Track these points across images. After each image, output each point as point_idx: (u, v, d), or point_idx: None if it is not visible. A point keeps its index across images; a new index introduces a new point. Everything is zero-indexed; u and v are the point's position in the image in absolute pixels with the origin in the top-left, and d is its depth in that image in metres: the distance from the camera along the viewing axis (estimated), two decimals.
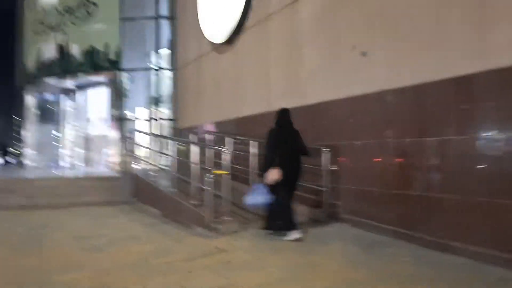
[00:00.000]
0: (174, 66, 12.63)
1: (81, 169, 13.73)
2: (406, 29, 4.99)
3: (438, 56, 4.56)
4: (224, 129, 9.56)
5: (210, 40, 10.06)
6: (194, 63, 11.38)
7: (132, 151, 9.64)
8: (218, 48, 9.90)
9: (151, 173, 8.99)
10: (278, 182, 4.81)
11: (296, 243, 4.76)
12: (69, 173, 11.70)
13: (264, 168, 4.96)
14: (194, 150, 6.31)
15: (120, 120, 12.82)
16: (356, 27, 5.80)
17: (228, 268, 3.85)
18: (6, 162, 23.14)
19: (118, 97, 12.81)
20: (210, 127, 10.33)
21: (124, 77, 12.91)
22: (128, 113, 13.26)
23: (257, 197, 4.90)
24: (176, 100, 12.68)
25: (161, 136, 12.13)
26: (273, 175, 4.82)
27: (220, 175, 5.31)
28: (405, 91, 4.94)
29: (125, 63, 12.78)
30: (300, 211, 6.25)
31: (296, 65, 7.10)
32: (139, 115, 13.71)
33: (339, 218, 5.87)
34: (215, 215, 5.33)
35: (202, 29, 10.36)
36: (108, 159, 13.12)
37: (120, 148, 11.50)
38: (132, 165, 9.21)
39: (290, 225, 4.83)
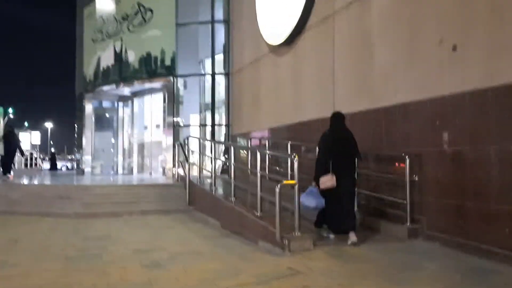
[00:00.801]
0: (229, 71, 12.31)
1: (137, 176, 13.72)
2: (506, 17, 4.22)
3: None
4: (283, 135, 9.05)
5: (268, 41, 9.61)
6: (250, 67, 10.99)
7: (188, 158, 9.33)
8: (276, 50, 9.42)
9: (208, 180, 8.63)
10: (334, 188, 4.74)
11: (382, 267, 4.11)
12: (125, 180, 11.64)
13: (317, 173, 4.90)
14: (258, 157, 5.82)
15: (175, 127, 12.66)
16: (442, 17, 5.07)
17: None
18: (53, 166, 23.63)
19: (173, 103, 12.66)
20: (267, 133, 9.85)
21: (179, 83, 12.75)
22: (182, 119, 13.10)
23: (309, 200, 4.84)
24: (230, 105, 12.34)
25: (220, 142, 11.79)
26: (327, 181, 4.76)
27: (289, 185, 4.76)
28: (508, 89, 4.16)
29: (180, 69, 12.63)
30: (378, 226, 5.59)
31: (366, 64, 6.44)
32: (193, 121, 13.54)
33: (424, 235, 5.11)
34: (285, 230, 4.78)
35: (260, 30, 9.93)
36: (164, 166, 13.00)
37: (176, 154, 11.28)
38: (188, 172, 8.89)
39: (335, 228, 4.96)
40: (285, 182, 4.76)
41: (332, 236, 5.05)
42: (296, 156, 4.81)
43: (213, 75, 12.42)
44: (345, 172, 4.89)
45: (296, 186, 4.75)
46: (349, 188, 4.93)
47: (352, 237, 4.76)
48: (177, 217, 7.87)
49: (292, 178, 4.93)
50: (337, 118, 5.17)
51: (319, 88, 7.77)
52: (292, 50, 8.76)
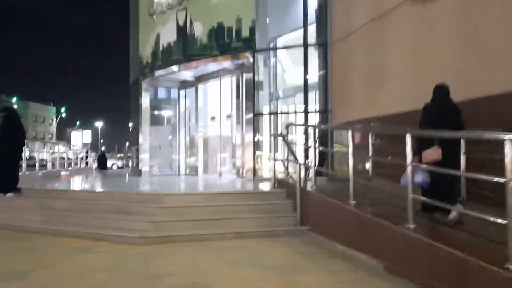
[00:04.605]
0: (327, 40, 9.39)
1: (208, 178, 11.14)
2: None
3: None
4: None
5: None
6: (364, 30, 8.04)
7: (294, 155, 6.56)
8: None
9: (329, 187, 5.85)
10: (438, 162, 4.08)
11: None
12: (200, 185, 9.12)
13: (420, 147, 4.29)
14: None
15: (255, 116, 9.92)
16: None
17: None
18: (103, 166, 20.96)
19: (253, 85, 9.91)
20: (396, 119, 6.86)
21: (261, 59, 9.98)
22: (266, 106, 10.31)
23: (414, 178, 4.13)
24: (329, 85, 9.43)
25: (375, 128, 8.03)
26: (432, 154, 4.18)
27: None
28: None
29: (260, 42, 9.86)
30: None
31: None
32: (274, 107, 10.69)
33: None
34: None
35: None
36: (239, 166, 10.33)
37: (273, 148, 8.48)
38: (299, 176, 6.10)
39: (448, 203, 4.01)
40: None
41: (451, 216, 4.05)
42: None
43: (305, 46, 9.46)
44: (451, 149, 4.31)
45: None
46: (455, 165, 4.29)
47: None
48: (292, 246, 5.11)
49: None
50: (441, 90, 4.60)
51: None
52: None
